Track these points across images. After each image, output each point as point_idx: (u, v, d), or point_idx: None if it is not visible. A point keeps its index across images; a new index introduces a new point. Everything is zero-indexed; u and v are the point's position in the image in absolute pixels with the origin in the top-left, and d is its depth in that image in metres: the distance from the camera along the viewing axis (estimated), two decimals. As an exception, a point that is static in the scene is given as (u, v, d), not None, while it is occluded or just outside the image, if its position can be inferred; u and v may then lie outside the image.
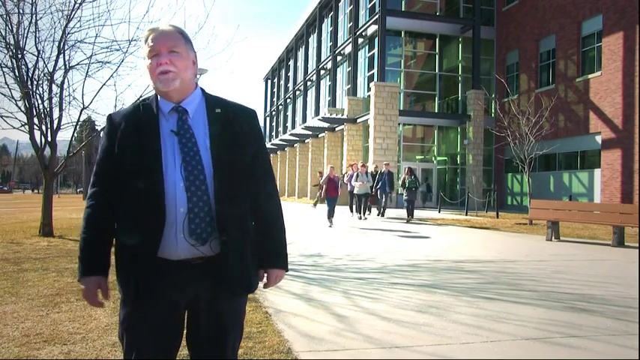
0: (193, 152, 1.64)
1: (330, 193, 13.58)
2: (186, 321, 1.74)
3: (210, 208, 1.62)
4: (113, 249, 1.72)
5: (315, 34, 35.65)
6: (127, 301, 1.67)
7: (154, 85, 1.68)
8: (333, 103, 30.59)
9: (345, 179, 16.99)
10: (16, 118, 9.53)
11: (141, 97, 9.23)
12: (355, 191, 15.22)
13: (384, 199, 16.61)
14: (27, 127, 9.39)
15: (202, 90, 1.78)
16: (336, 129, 28.74)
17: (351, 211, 16.30)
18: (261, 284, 1.86)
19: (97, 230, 1.68)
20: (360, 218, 15.03)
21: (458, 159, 25.91)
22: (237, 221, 1.69)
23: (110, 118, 1.73)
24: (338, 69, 30.99)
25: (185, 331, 1.75)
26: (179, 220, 1.59)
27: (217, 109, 1.73)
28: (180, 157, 1.62)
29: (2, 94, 9.26)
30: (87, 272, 1.68)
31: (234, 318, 1.75)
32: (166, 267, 1.61)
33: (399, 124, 23.76)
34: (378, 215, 16.55)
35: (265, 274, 1.84)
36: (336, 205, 18.42)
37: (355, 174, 15.28)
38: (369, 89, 24.53)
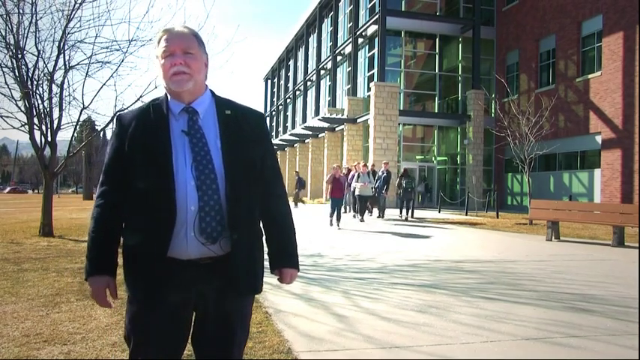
0: (204, 152, 1.65)
1: (335, 193, 12.70)
2: (193, 321, 1.74)
3: (220, 207, 1.63)
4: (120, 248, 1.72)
5: (315, 34, 35.65)
6: (134, 301, 1.67)
7: (167, 86, 1.69)
8: (333, 103, 30.59)
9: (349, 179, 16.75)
10: (16, 118, 9.54)
11: (141, 97, 9.24)
12: (356, 192, 14.57)
13: (382, 200, 16.21)
14: (27, 127, 9.39)
15: (212, 92, 1.79)
16: (336, 129, 28.74)
17: (353, 210, 15.61)
18: (270, 280, 1.86)
19: (105, 230, 1.69)
20: (361, 221, 14.30)
21: (458, 159, 25.91)
22: (247, 221, 1.71)
23: (120, 118, 1.73)
24: (338, 69, 30.99)
25: (191, 330, 1.75)
26: (190, 219, 1.60)
27: (227, 111, 1.75)
28: (191, 157, 1.63)
29: (2, 94, 9.26)
30: (95, 272, 1.67)
31: (241, 318, 1.76)
32: (175, 267, 1.61)
33: (399, 124, 23.76)
34: (378, 217, 16.08)
35: (280, 274, 1.85)
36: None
37: (356, 174, 14.66)
38: (369, 89, 24.52)
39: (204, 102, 1.74)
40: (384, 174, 16.00)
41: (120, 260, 1.71)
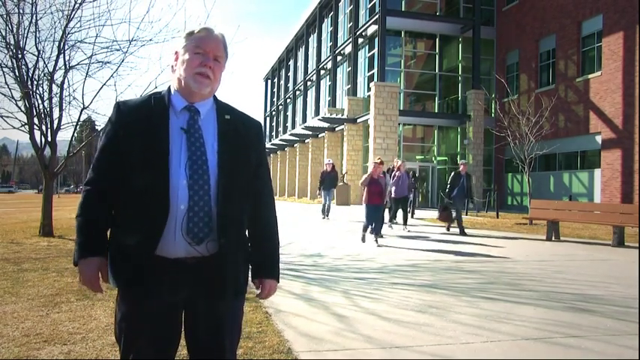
0: (200, 152, 1.65)
1: (373, 199, 9.38)
2: (183, 322, 1.74)
3: (210, 208, 1.63)
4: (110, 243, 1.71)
5: (315, 34, 35.65)
6: (124, 301, 1.66)
7: (185, 80, 1.68)
8: (333, 103, 30.59)
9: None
10: (16, 118, 9.53)
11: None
12: (392, 195, 11.79)
13: (459, 210, 11.77)
14: (27, 127, 9.38)
15: (214, 96, 1.80)
16: (336, 129, 28.74)
17: (390, 220, 12.37)
18: (253, 291, 1.87)
19: (94, 214, 1.66)
20: (403, 227, 11.78)
21: (458, 159, 25.89)
22: (236, 225, 1.71)
23: (118, 106, 1.71)
24: (338, 69, 30.99)
25: (183, 332, 1.75)
26: (178, 218, 1.60)
27: (227, 116, 1.76)
28: (187, 155, 1.63)
29: (2, 94, 9.26)
30: (87, 254, 1.63)
31: (232, 318, 1.75)
32: (163, 265, 1.61)
33: (399, 124, 23.76)
34: (450, 231, 11.67)
35: (260, 285, 1.85)
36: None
37: (393, 174, 12.00)
38: (369, 89, 24.52)
39: (207, 104, 1.75)
40: (464, 178, 11.69)
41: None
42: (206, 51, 1.68)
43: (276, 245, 1.87)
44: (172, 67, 1.76)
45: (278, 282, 1.88)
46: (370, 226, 9.32)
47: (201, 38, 1.70)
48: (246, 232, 1.82)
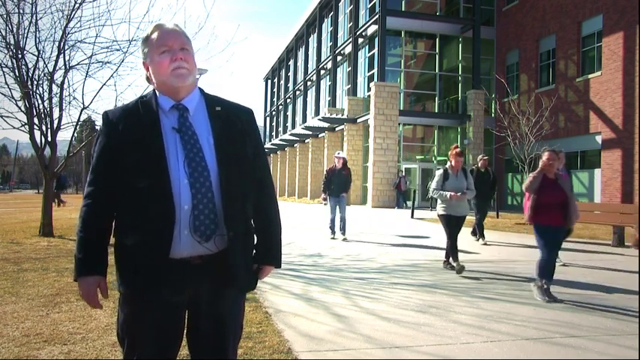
0: (196, 149, 1.64)
1: (549, 216, 5.00)
2: (186, 321, 1.74)
3: (214, 204, 1.63)
4: (112, 247, 1.71)
5: (315, 34, 35.64)
6: (127, 301, 1.66)
7: (166, 81, 1.67)
8: (333, 103, 30.59)
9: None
10: (16, 118, 9.54)
11: (141, 97, 9.23)
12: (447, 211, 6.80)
13: None
14: (27, 127, 9.38)
15: (200, 89, 1.79)
16: (336, 129, 28.75)
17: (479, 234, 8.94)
18: (270, 280, 1.87)
19: (94, 229, 1.66)
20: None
21: (458, 159, 25.86)
22: (242, 218, 1.71)
23: (107, 115, 1.70)
24: (338, 69, 30.99)
25: (185, 331, 1.75)
26: (184, 217, 1.59)
27: (217, 108, 1.75)
28: (183, 154, 1.62)
29: (2, 94, 9.26)
30: (86, 271, 1.64)
31: (234, 317, 1.76)
32: (169, 266, 1.60)
33: (399, 124, 23.76)
34: None
35: (260, 269, 1.86)
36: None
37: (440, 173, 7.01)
38: (369, 89, 24.52)
39: (194, 99, 1.73)
40: None
41: (111, 259, 1.70)
42: (170, 45, 1.67)
43: (277, 233, 1.87)
44: (148, 78, 1.75)
45: (279, 267, 1.90)
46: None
47: (160, 37, 1.68)
48: (252, 223, 1.82)
